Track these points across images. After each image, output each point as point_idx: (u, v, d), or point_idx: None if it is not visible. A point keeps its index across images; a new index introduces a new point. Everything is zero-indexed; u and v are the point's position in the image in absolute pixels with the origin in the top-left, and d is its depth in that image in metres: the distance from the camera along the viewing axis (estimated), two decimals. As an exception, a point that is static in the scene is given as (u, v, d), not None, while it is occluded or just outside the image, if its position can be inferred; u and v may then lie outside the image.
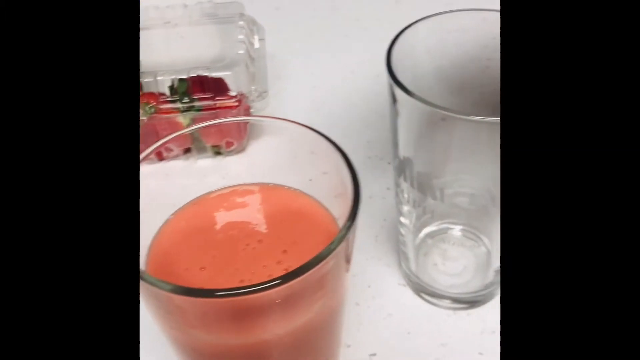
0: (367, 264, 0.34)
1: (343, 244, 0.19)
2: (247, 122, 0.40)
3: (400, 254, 0.33)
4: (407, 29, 0.27)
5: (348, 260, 0.21)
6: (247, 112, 0.39)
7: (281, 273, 0.17)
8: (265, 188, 0.25)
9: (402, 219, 0.30)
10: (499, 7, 0.26)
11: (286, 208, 0.25)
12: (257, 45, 0.41)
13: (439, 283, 0.31)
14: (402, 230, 0.30)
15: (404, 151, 0.26)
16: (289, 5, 0.57)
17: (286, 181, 0.26)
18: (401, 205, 0.29)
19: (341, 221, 0.21)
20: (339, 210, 0.23)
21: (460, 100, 0.31)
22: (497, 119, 0.23)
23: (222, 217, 0.24)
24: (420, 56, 0.28)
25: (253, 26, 0.42)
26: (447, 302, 0.32)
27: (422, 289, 0.32)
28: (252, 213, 0.25)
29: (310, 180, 0.25)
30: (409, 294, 0.33)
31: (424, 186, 0.26)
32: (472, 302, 0.32)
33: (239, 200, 0.25)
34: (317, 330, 0.22)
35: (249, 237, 0.23)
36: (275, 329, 0.20)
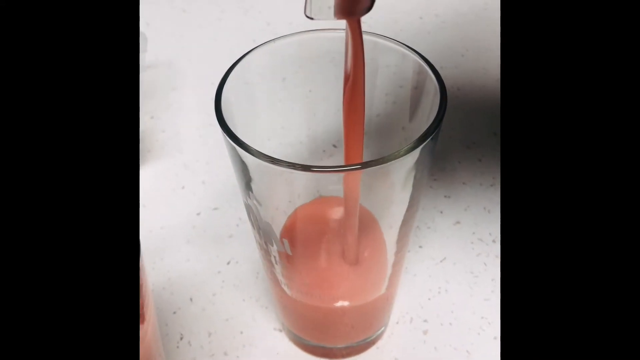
0: (243, 306, 0.31)
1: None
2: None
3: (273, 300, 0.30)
4: (239, 62, 0.23)
5: (142, 320, 0.18)
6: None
7: None
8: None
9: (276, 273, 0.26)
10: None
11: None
12: (135, 57, 0.37)
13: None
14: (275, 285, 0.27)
15: (246, 196, 0.23)
16: (196, 8, 0.53)
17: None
18: (268, 256, 0.26)
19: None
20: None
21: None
22: (341, 169, 0.20)
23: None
24: (259, 88, 0.25)
25: (132, 36, 0.38)
26: (322, 351, 0.28)
27: (296, 338, 0.29)
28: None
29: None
30: (284, 341, 0.30)
31: (269, 234, 0.23)
32: (349, 348, 0.29)
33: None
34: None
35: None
36: None
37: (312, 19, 0.21)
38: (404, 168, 0.21)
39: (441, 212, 0.35)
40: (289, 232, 0.23)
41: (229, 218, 0.35)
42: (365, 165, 0.20)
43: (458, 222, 0.34)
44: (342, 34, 0.25)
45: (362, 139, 0.24)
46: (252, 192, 0.22)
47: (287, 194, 0.23)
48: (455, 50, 0.47)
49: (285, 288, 0.26)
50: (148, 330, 0.20)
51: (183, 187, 0.37)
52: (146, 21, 0.51)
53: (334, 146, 0.31)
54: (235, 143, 0.20)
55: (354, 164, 0.20)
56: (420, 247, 0.33)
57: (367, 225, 0.26)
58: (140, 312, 0.19)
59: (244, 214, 0.35)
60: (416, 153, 0.20)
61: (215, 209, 0.36)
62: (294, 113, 0.28)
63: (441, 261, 0.33)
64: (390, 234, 0.25)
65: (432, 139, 0.20)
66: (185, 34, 0.50)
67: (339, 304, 0.26)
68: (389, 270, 0.26)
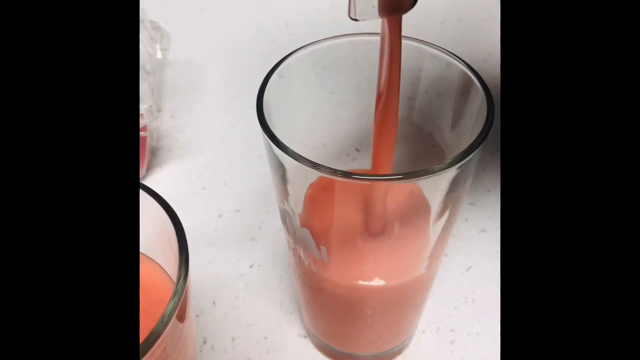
0: (267, 311, 0.31)
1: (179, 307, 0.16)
2: (145, 147, 0.36)
3: (300, 305, 0.29)
4: (278, 66, 0.23)
5: (183, 319, 0.18)
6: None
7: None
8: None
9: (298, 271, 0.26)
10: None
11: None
12: (159, 55, 0.37)
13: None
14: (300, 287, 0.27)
15: (282, 201, 0.23)
16: (217, 5, 0.52)
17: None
18: (296, 261, 0.25)
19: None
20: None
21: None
22: (383, 178, 0.20)
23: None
24: (299, 92, 0.24)
25: (156, 34, 0.38)
26: (348, 359, 0.28)
27: (322, 344, 0.28)
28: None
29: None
30: (309, 347, 0.29)
31: (306, 242, 0.22)
32: (375, 357, 0.28)
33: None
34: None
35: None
36: None
37: (356, 20, 0.21)
38: (448, 179, 0.20)
39: (466, 220, 0.35)
40: (325, 238, 0.23)
41: (251, 221, 0.35)
42: (408, 175, 0.20)
43: (483, 230, 0.34)
44: (367, 38, 0.25)
45: (393, 145, 0.24)
46: (289, 196, 0.22)
47: (325, 201, 0.22)
48: (477, 55, 0.46)
49: (315, 269, 0.24)
50: (187, 330, 0.20)
51: (204, 188, 0.37)
52: (165, 19, 0.50)
53: (357, 150, 0.31)
54: (276, 145, 0.20)
55: (397, 174, 0.20)
56: (446, 255, 0.33)
57: (413, 199, 0.25)
58: (182, 311, 0.18)
59: (266, 217, 0.35)
60: (463, 163, 0.19)
61: (237, 211, 0.35)
62: (316, 116, 0.27)
63: (467, 270, 0.32)
64: (436, 218, 0.24)
65: (479, 149, 0.20)
66: (205, 32, 0.50)
67: (376, 282, 0.25)
68: (430, 248, 0.24)
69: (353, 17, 0.20)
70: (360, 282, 0.24)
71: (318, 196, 0.22)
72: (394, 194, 0.24)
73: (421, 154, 0.28)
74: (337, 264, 0.23)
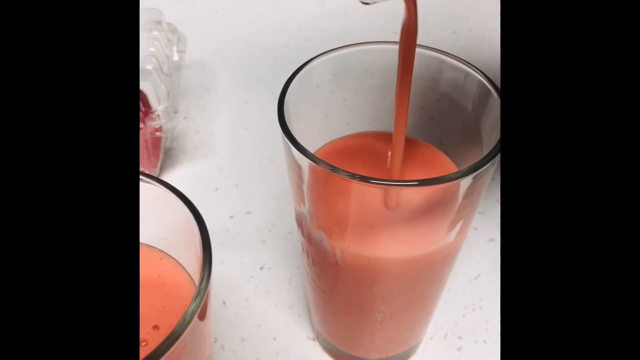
0: (276, 313, 0.31)
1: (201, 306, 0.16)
2: (159, 148, 0.36)
3: (310, 307, 0.30)
4: (299, 71, 0.23)
5: (203, 317, 0.18)
6: (153, 134, 0.35)
7: None
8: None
9: (310, 273, 0.26)
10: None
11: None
12: (175, 57, 0.37)
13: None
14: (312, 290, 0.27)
15: (298, 204, 0.23)
16: (230, 8, 0.53)
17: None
18: (307, 261, 0.26)
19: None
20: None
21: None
22: (399, 184, 0.20)
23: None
24: (320, 97, 0.25)
25: (173, 36, 0.38)
26: (357, 363, 0.28)
27: (330, 347, 0.29)
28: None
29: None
30: (318, 350, 0.29)
31: (321, 244, 0.23)
32: (385, 363, 0.28)
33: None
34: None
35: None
36: None
37: (368, 4, 0.21)
38: (463, 187, 0.21)
39: (475, 229, 0.35)
40: (340, 242, 0.23)
41: (261, 223, 0.35)
42: (423, 182, 0.20)
43: (492, 240, 0.34)
44: (380, 46, 0.25)
45: (405, 122, 0.24)
46: (306, 198, 0.22)
47: (341, 204, 0.23)
48: (488, 66, 0.47)
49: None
50: (207, 327, 0.20)
51: (216, 190, 0.37)
52: (179, 21, 0.51)
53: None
54: (296, 148, 0.20)
55: (412, 181, 0.20)
56: (454, 262, 0.33)
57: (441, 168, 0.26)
58: (203, 310, 0.18)
59: (276, 220, 0.35)
60: (479, 172, 0.20)
61: (249, 213, 0.36)
62: (328, 121, 0.28)
63: (475, 278, 0.32)
64: (449, 227, 0.23)
65: (495, 159, 0.20)
66: (218, 35, 0.50)
67: (400, 254, 0.23)
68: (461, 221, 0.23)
69: (364, 0, 0.20)
70: (377, 254, 0.23)
71: (333, 198, 0.22)
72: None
73: (431, 162, 0.29)
74: (351, 270, 0.23)
